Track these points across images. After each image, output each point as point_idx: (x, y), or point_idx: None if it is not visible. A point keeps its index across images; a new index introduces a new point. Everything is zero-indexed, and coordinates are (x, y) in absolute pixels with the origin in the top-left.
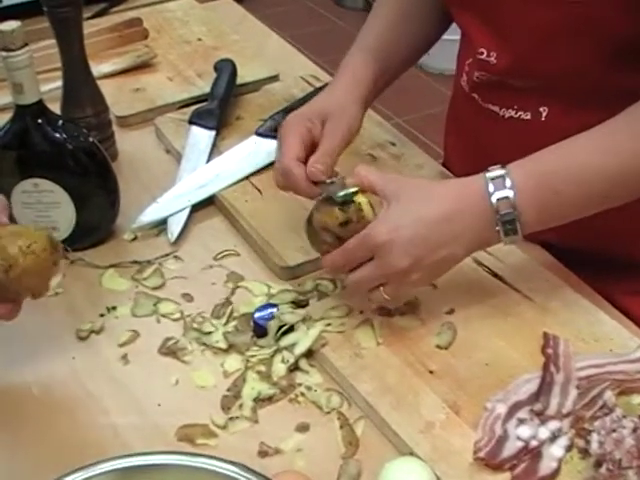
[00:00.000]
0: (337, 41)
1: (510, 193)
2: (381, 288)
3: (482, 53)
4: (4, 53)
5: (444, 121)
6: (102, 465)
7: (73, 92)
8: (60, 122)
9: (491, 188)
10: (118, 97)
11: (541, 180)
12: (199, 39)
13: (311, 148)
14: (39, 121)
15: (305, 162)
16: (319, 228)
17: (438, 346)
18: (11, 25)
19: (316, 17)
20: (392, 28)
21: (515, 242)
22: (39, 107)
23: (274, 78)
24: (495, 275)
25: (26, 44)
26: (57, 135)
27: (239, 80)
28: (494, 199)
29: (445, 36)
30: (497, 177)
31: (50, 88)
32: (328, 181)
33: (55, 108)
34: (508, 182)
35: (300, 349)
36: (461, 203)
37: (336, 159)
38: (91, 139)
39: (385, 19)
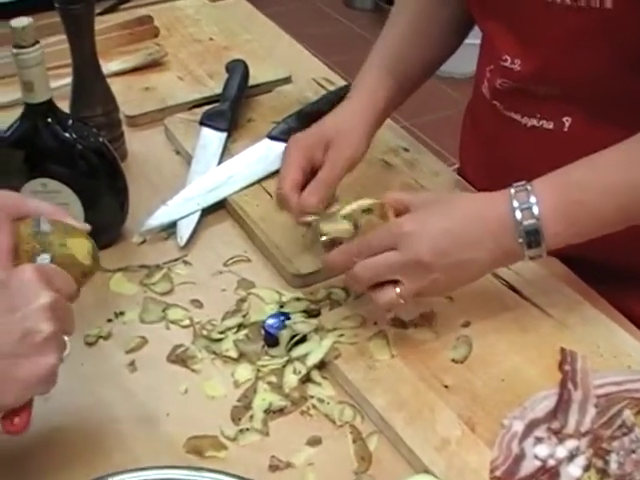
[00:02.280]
0: (345, 42)
1: (534, 205)
2: (397, 289)
3: (506, 60)
4: (15, 50)
5: (453, 125)
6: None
7: (83, 90)
8: (70, 121)
9: (515, 203)
10: (128, 96)
11: (565, 191)
12: (210, 38)
13: (312, 173)
14: (49, 120)
15: (304, 187)
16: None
17: (453, 360)
18: (22, 22)
19: (324, 17)
20: (408, 41)
21: (539, 256)
22: (49, 106)
23: (286, 80)
24: (512, 288)
25: (37, 41)
26: (67, 135)
27: (251, 81)
28: (518, 212)
29: None
30: (521, 191)
31: (59, 85)
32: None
33: (63, 105)
34: (532, 197)
35: (312, 361)
36: (485, 211)
37: (333, 189)
38: (101, 139)
39: (401, 32)
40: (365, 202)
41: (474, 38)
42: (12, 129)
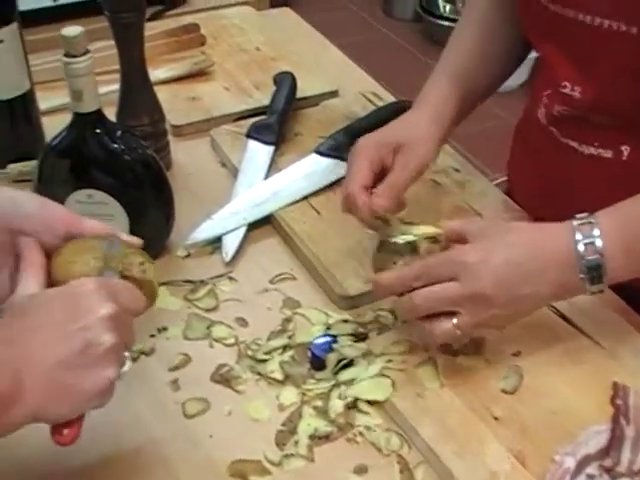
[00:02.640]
0: (385, 52)
1: (597, 238)
2: (454, 320)
3: (565, 86)
4: (65, 59)
5: (488, 136)
6: None
7: (130, 99)
8: (119, 132)
9: (578, 236)
10: (173, 105)
11: (629, 226)
12: (257, 48)
13: (380, 176)
14: (97, 130)
15: (372, 189)
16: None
17: (504, 390)
18: (74, 31)
19: (363, 26)
20: (475, 57)
21: (600, 291)
22: (97, 116)
23: (333, 93)
24: (563, 317)
25: (88, 51)
26: (115, 145)
27: (298, 94)
28: (580, 245)
29: None
30: (585, 224)
31: (105, 91)
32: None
33: (109, 113)
34: (596, 230)
35: (365, 396)
36: (546, 243)
37: (403, 192)
38: (149, 151)
39: (468, 47)
40: (429, 230)
41: None
42: (59, 138)
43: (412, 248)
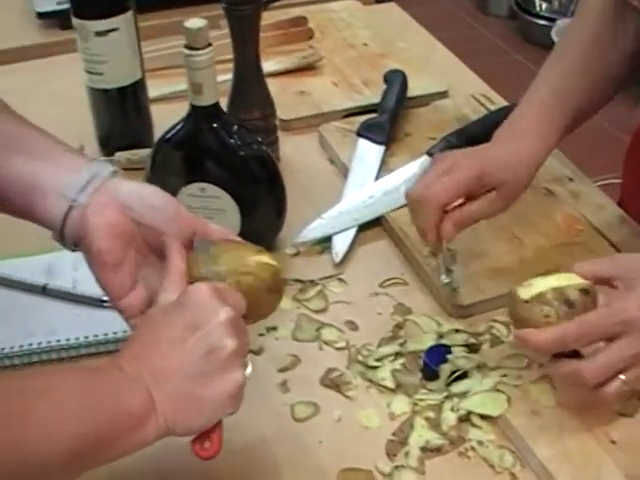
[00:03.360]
0: (479, 48)
1: None
2: (621, 376)
3: None
4: (187, 51)
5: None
6: None
7: (243, 92)
8: (235, 127)
9: None
10: (282, 99)
11: None
12: (364, 44)
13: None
14: (214, 125)
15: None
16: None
17: (621, 413)
18: (197, 23)
19: (458, 21)
20: (578, 75)
21: None
22: (215, 110)
23: (443, 94)
24: None
25: (210, 44)
26: (231, 140)
27: (408, 93)
28: None
29: None
30: None
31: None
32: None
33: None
34: None
35: (479, 410)
36: None
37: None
38: (264, 147)
39: (570, 64)
40: (577, 280)
41: None
42: (175, 130)
43: (564, 300)
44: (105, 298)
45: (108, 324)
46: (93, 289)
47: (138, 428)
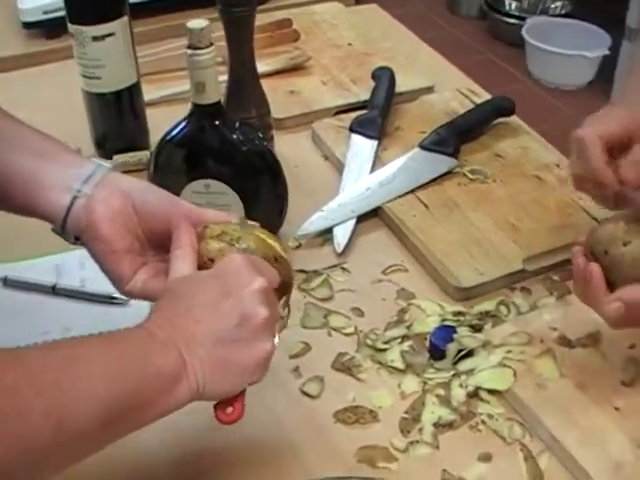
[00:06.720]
0: (452, 48)
1: None
2: None
3: None
4: (189, 51)
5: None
6: None
7: (238, 92)
8: (237, 124)
9: None
10: (273, 98)
11: None
12: (349, 44)
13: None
14: (216, 122)
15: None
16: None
17: (623, 382)
18: (200, 23)
19: (429, 23)
20: None
21: None
22: (217, 108)
23: (429, 89)
24: None
25: (212, 43)
26: (234, 137)
27: (395, 89)
28: None
29: (561, 50)
30: None
31: None
32: None
33: None
34: None
35: (488, 385)
36: None
37: None
38: (265, 143)
39: None
40: None
41: (582, 50)
42: (178, 129)
43: None
44: (115, 295)
45: (121, 320)
46: (102, 287)
47: (171, 389)
